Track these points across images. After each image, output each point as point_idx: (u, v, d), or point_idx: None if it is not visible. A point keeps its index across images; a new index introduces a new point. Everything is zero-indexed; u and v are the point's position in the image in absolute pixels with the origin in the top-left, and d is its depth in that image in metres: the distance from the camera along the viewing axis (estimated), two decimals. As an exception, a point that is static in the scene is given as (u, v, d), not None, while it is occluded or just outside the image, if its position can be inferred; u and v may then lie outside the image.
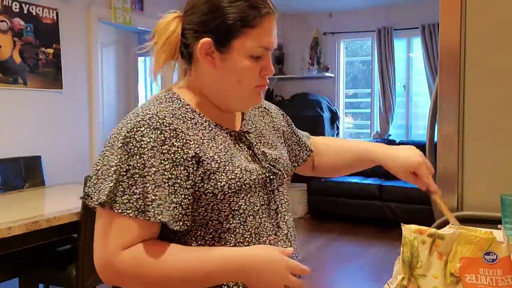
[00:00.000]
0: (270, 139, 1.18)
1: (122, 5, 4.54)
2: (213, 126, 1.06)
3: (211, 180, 0.99)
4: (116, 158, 0.95)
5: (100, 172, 0.97)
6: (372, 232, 5.31)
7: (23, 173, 3.50)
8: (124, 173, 0.93)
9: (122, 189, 0.93)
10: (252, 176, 1.04)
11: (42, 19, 3.85)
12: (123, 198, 0.92)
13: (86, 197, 0.97)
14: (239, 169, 1.02)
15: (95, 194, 0.95)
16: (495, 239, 0.83)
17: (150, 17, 4.96)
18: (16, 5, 3.66)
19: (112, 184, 0.93)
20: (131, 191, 0.93)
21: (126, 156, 0.94)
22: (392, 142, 6.09)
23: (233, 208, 1.01)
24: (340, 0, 5.96)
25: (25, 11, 3.73)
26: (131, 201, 0.92)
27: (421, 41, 5.92)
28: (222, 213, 1.00)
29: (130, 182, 0.93)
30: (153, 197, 0.93)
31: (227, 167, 1.01)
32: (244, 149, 1.09)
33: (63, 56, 4.03)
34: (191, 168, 0.97)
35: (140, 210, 0.92)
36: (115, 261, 0.93)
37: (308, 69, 6.57)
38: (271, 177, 1.09)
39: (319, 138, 1.43)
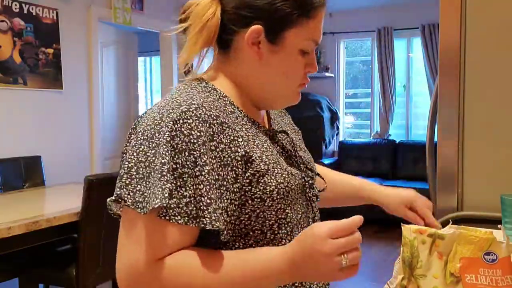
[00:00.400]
0: (297, 141, 1.08)
1: (122, 5, 4.54)
2: (252, 122, 0.94)
3: (260, 184, 0.86)
4: (161, 155, 0.80)
5: (134, 170, 0.82)
6: (372, 232, 5.31)
7: (23, 173, 3.50)
8: (172, 173, 0.79)
9: (169, 192, 0.78)
10: (296, 180, 0.93)
11: (42, 19, 3.85)
12: (171, 202, 0.78)
13: (119, 200, 0.81)
14: (286, 172, 0.90)
15: (129, 196, 0.80)
16: (495, 239, 0.83)
17: (150, 17, 4.96)
18: (16, 5, 3.66)
19: (169, 185, 0.78)
20: (180, 194, 0.79)
21: (174, 153, 0.80)
22: (392, 142, 6.10)
23: (279, 216, 0.89)
24: (340, 0, 5.96)
25: (25, 11, 3.73)
26: (180, 205, 0.78)
27: (421, 41, 5.92)
28: (267, 221, 0.88)
29: (179, 184, 0.79)
30: (208, 201, 0.79)
31: (276, 169, 0.89)
32: (279, 150, 0.97)
33: (63, 56, 4.03)
34: (239, 169, 0.85)
35: (190, 216, 0.79)
36: (155, 272, 0.80)
37: (308, 69, 6.57)
38: (310, 181, 0.99)
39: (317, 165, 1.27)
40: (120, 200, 0.81)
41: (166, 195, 0.77)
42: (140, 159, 0.82)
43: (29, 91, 3.78)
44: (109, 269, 2.66)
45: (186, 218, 0.79)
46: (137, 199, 0.80)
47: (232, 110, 0.91)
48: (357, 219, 0.77)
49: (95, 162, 4.35)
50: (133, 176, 0.82)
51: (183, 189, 0.79)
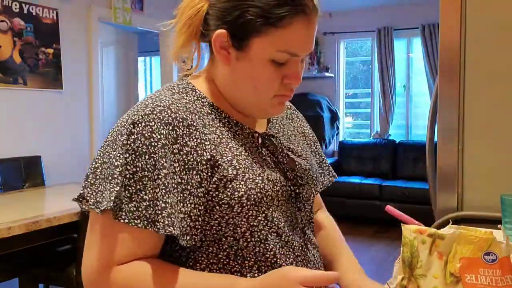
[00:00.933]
0: (300, 146, 1.02)
1: (122, 5, 4.54)
2: (233, 124, 0.90)
3: (228, 189, 0.83)
4: (121, 157, 0.79)
5: (99, 171, 0.82)
6: (372, 232, 5.31)
7: (23, 173, 3.50)
8: (131, 176, 0.78)
9: (129, 194, 0.78)
10: (275, 187, 0.88)
11: (42, 19, 3.85)
12: (129, 205, 0.78)
13: (80, 199, 0.82)
14: (260, 177, 0.86)
15: (91, 196, 0.81)
16: (494, 239, 0.83)
17: (150, 17, 4.96)
18: (16, 5, 3.66)
19: (118, 188, 0.78)
20: (140, 197, 0.78)
21: (133, 155, 0.79)
22: (392, 142, 6.10)
23: (251, 223, 0.85)
24: (340, 0, 5.96)
25: (25, 11, 3.73)
26: (140, 209, 0.78)
27: (421, 41, 5.92)
28: (238, 228, 0.84)
29: (139, 187, 0.78)
30: (163, 205, 0.78)
31: (246, 174, 0.85)
32: (267, 154, 0.92)
33: (63, 56, 4.03)
34: (204, 173, 0.82)
35: (149, 220, 0.78)
36: (109, 278, 0.79)
37: (308, 69, 6.57)
38: (297, 190, 0.94)
39: (322, 210, 1.22)
40: (81, 199, 0.82)
41: (113, 198, 0.77)
42: (104, 160, 0.82)
43: (29, 91, 3.78)
44: (109, 269, 2.66)
45: (146, 221, 0.78)
46: (98, 199, 0.80)
47: (209, 111, 0.89)
48: (333, 276, 0.75)
49: (95, 162, 4.36)
50: (98, 176, 0.82)
51: (143, 192, 0.78)
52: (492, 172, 1.51)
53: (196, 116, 0.86)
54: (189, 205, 0.81)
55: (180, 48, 0.92)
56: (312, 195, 0.99)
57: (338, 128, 6.52)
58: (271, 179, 0.88)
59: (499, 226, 1.23)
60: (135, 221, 0.78)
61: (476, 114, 1.52)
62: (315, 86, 6.59)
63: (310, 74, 6.53)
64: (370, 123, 6.59)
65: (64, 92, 4.06)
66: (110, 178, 0.79)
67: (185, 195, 0.80)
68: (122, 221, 0.78)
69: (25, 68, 3.73)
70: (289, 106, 1.11)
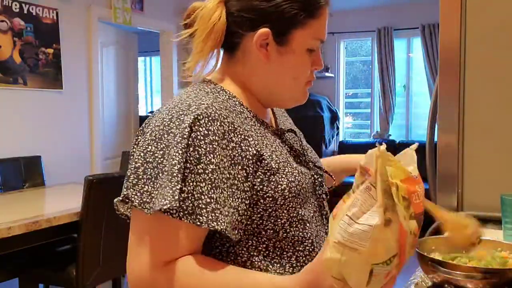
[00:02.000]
0: (303, 140, 1.09)
1: (122, 5, 4.54)
2: (260, 122, 0.94)
3: (271, 183, 0.86)
4: (173, 156, 0.80)
5: (141, 170, 0.82)
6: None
7: (23, 173, 3.50)
8: (188, 174, 0.79)
9: (185, 193, 0.79)
10: (306, 179, 0.93)
11: (42, 19, 3.85)
12: (185, 203, 0.78)
13: (126, 200, 0.81)
14: (297, 171, 0.91)
15: (136, 197, 0.81)
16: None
17: (150, 17, 4.96)
18: (16, 5, 3.66)
19: (175, 187, 0.78)
20: (179, 188, 0.78)
21: (184, 152, 0.80)
22: (392, 142, 6.10)
23: (291, 214, 0.88)
24: (340, 0, 5.96)
25: (25, 11, 3.73)
26: (183, 203, 0.78)
27: (421, 41, 5.92)
28: (279, 220, 0.87)
29: (178, 179, 0.78)
30: (208, 200, 0.78)
31: (286, 168, 0.89)
32: (287, 149, 0.96)
33: (63, 56, 4.03)
34: (250, 168, 0.84)
35: (186, 212, 0.78)
36: (164, 276, 0.80)
37: (308, 69, 6.57)
38: (319, 179, 0.99)
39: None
40: (127, 200, 0.81)
41: (177, 197, 0.77)
42: (147, 159, 0.82)
43: (29, 91, 3.78)
44: (109, 269, 2.66)
45: (181, 213, 0.78)
46: (144, 199, 0.80)
47: (241, 110, 0.92)
48: None
49: (95, 162, 4.35)
50: (140, 177, 0.82)
51: (183, 184, 0.78)
52: (492, 172, 1.51)
53: (234, 114, 0.88)
54: (237, 199, 0.82)
55: (206, 55, 0.94)
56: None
57: (338, 128, 6.52)
58: (303, 172, 0.93)
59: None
60: (180, 215, 0.78)
61: (476, 114, 1.52)
62: (315, 86, 6.52)
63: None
64: (370, 123, 6.59)
65: (64, 92, 4.06)
66: (164, 177, 0.79)
67: (233, 190, 0.82)
68: (169, 216, 0.78)
69: (25, 68, 3.73)
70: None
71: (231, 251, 0.87)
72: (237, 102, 0.93)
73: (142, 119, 5.74)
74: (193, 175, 0.79)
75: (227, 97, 0.92)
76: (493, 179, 1.50)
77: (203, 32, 0.92)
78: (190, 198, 0.78)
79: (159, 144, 0.82)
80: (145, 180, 0.81)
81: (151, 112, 7.46)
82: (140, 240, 0.81)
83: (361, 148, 6.21)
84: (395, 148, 6.04)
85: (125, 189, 0.82)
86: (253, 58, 0.93)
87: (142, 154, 0.83)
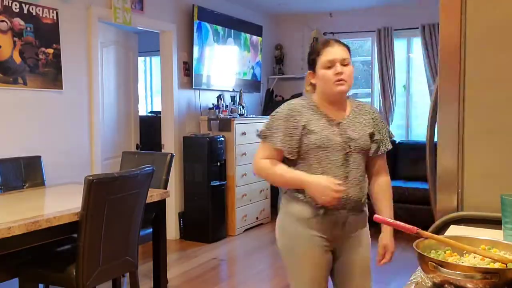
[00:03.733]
0: (361, 127, 1.99)
1: (122, 5, 4.54)
2: (322, 115, 1.98)
3: (308, 137, 1.93)
4: (269, 121, 2.01)
5: (268, 124, 2.01)
6: (372, 232, 5.30)
7: (23, 173, 3.50)
8: (270, 127, 2.00)
9: (269, 132, 1.98)
10: (330, 142, 1.92)
11: (42, 19, 3.85)
12: (266, 134, 1.99)
13: (260, 133, 2.02)
14: (324, 136, 1.92)
15: (263, 133, 2.01)
16: None
17: (150, 17, 4.96)
18: (16, 5, 3.66)
19: (266, 130, 2.01)
20: (270, 133, 1.98)
21: (272, 120, 2.00)
22: (392, 142, 6.08)
23: (316, 155, 1.94)
24: (340, 0, 5.96)
25: (25, 11, 3.73)
26: (270, 137, 1.97)
27: (421, 41, 5.92)
28: (311, 156, 1.94)
29: (272, 132, 1.98)
30: (276, 136, 1.96)
31: (317, 134, 1.93)
32: (336, 130, 1.96)
33: (63, 56, 4.03)
34: (299, 130, 1.94)
35: (270, 139, 1.97)
36: (257, 164, 2.02)
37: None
38: (345, 146, 1.94)
39: (384, 173, 2.16)
40: (260, 134, 2.02)
41: (267, 133, 2.00)
42: (269, 121, 2.02)
43: (29, 91, 3.78)
44: (109, 269, 2.66)
45: (271, 142, 1.97)
46: (265, 134, 2.01)
47: (312, 108, 1.99)
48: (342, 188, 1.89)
49: (95, 162, 4.35)
50: (266, 126, 2.01)
51: (270, 131, 1.98)
52: (492, 172, 1.51)
53: (305, 109, 1.98)
54: (293, 141, 1.94)
55: (308, 84, 2.09)
56: (360, 154, 1.98)
57: (338, 128, 6.52)
58: (330, 138, 1.93)
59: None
60: (268, 142, 1.99)
61: (476, 114, 1.52)
62: (315, 86, 6.58)
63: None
64: (370, 123, 6.58)
65: (64, 92, 4.06)
66: (267, 128, 2.01)
67: (292, 136, 1.94)
68: (263, 140, 2.01)
69: (25, 68, 3.73)
70: (371, 109, 2.12)
71: (291, 166, 1.98)
72: (312, 104, 2.00)
73: (142, 119, 5.74)
74: (274, 129, 1.98)
75: (308, 102, 2.01)
76: (493, 179, 1.50)
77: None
78: (272, 135, 1.98)
79: (273, 115, 2.01)
80: (267, 128, 2.01)
81: (151, 112, 7.46)
82: (258, 149, 2.04)
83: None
84: (395, 148, 6.04)
85: (263, 128, 2.02)
86: (314, 81, 2.05)
87: (269, 120, 2.01)
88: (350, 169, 1.94)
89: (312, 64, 1.99)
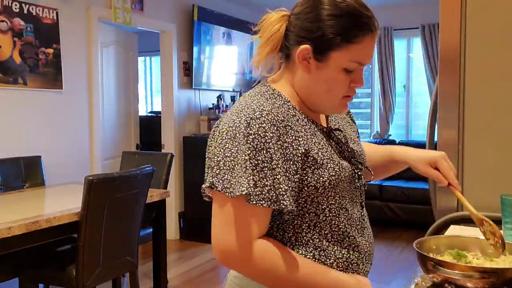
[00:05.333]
0: (352, 135, 1.25)
1: (122, 5, 4.54)
2: (310, 123, 1.11)
3: (315, 175, 1.05)
4: (243, 153, 0.99)
5: (222, 163, 1.01)
6: (372, 232, 5.31)
7: (23, 173, 3.50)
8: (254, 168, 0.98)
9: (253, 182, 0.98)
10: (345, 172, 1.10)
11: (42, 19, 3.85)
12: (255, 190, 0.98)
13: (212, 186, 1.01)
14: (338, 166, 1.08)
15: (219, 184, 1.00)
16: None
17: (150, 17, 4.96)
18: (16, 5, 3.66)
19: (248, 177, 0.98)
20: (262, 183, 0.98)
21: (254, 151, 0.99)
22: (392, 142, 6.09)
23: (330, 202, 1.08)
24: (340, 0, 5.95)
25: (25, 11, 3.73)
26: (263, 192, 0.98)
27: (421, 41, 5.92)
28: (320, 205, 1.07)
29: (261, 176, 0.98)
30: (286, 187, 1.00)
31: (329, 164, 1.07)
32: (333, 145, 1.14)
33: (63, 56, 4.03)
34: (299, 163, 1.04)
35: (273, 200, 0.99)
36: (246, 250, 1.00)
37: (308, 69, 6.57)
38: (359, 173, 1.16)
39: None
40: (212, 186, 1.01)
41: (251, 184, 0.97)
42: (226, 154, 1.01)
43: (29, 91, 3.78)
44: (109, 269, 2.66)
45: (269, 202, 0.98)
46: (225, 185, 0.99)
47: (294, 113, 1.09)
48: None
49: (95, 162, 4.35)
50: (221, 168, 1.01)
51: (265, 180, 0.98)
52: (492, 172, 1.51)
53: (288, 117, 1.06)
54: (296, 186, 1.04)
55: (264, 59, 1.12)
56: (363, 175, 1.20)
57: (338, 128, 6.52)
58: (344, 166, 1.09)
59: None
60: (261, 202, 0.98)
61: (476, 114, 1.52)
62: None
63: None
64: (370, 123, 6.59)
65: (64, 92, 4.06)
66: (239, 169, 0.99)
67: (295, 178, 1.03)
68: (250, 202, 0.98)
69: (25, 68, 3.73)
70: None
71: (280, 227, 1.08)
72: (291, 106, 1.10)
73: (142, 119, 5.74)
74: (270, 171, 0.99)
75: (282, 102, 1.09)
76: (493, 179, 1.50)
77: (263, 38, 1.11)
78: (272, 189, 0.99)
79: (233, 141, 1.00)
80: (225, 170, 1.00)
81: (151, 112, 7.45)
82: (223, 220, 1.02)
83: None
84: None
85: (210, 178, 1.02)
86: (298, 68, 1.09)
87: (222, 150, 1.02)
88: (363, 204, 1.21)
89: (324, 44, 1.04)
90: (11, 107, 3.68)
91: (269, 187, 0.98)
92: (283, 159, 1.01)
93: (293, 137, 1.04)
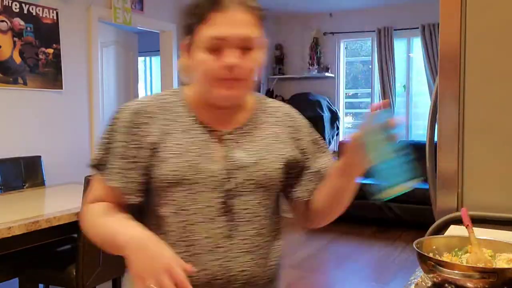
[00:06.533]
0: (260, 146, 1.13)
1: (122, 5, 4.54)
2: (192, 122, 1.12)
3: (157, 168, 1.08)
4: (104, 131, 1.14)
5: (101, 141, 1.15)
6: (372, 232, 5.31)
7: (23, 173, 3.50)
8: (103, 145, 1.13)
9: (99, 157, 1.13)
10: (201, 174, 1.07)
11: (42, 19, 3.85)
12: (98, 163, 1.13)
13: (92, 161, 1.16)
14: (187, 164, 1.07)
15: (93, 159, 1.16)
16: None
17: (150, 17, 4.96)
18: (16, 5, 3.66)
19: (98, 151, 1.14)
20: (104, 159, 1.12)
21: (108, 131, 1.13)
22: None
23: (168, 198, 1.09)
24: (340, 0, 5.95)
25: (25, 11, 3.73)
26: (100, 166, 1.13)
27: (421, 41, 5.92)
28: (156, 197, 1.11)
29: (105, 152, 1.12)
30: (113, 166, 1.10)
31: (175, 159, 1.08)
32: (218, 149, 1.11)
33: (63, 56, 4.03)
34: (149, 152, 1.09)
35: (102, 170, 1.12)
36: (82, 212, 1.18)
37: (308, 69, 6.57)
38: (230, 180, 1.08)
39: None
40: (92, 161, 1.18)
41: (98, 158, 1.13)
42: (103, 135, 1.17)
43: (29, 91, 3.78)
44: (109, 269, 2.65)
45: (102, 175, 1.12)
46: (96, 159, 1.16)
47: (178, 110, 1.13)
48: (189, 268, 0.93)
49: (95, 162, 4.35)
50: (100, 144, 1.16)
51: (106, 156, 1.12)
52: (492, 172, 1.51)
53: (163, 111, 1.12)
54: (138, 173, 1.10)
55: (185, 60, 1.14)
56: (256, 190, 1.11)
57: (338, 128, 6.52)
58: (198, 167, 1.08)
59: None
60: (97, 174, 1.13)
61: (476, 114, 1.52)
62: (315, 86, 6.58)
63: (310, 74, 6.53)
64: (370, 123, 6.59)
65: (64, 92, 4.06)
66: (99, 143, 1.14)
67: (137, 164, 1.09)
68: (93, 173, 1.15)
69: (25, 68, 3.73)
70: (288, 115, 1.22)
71: (144, 215, 1.14)
72: (180, 104, 1.14)
73: (142, 119, 5.73)
74: (110, 148, 1.11)
75: (174, 99, 1.15)
76: (493, 179, 1.50)
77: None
78: (107, 158, 1.11)
79: (110, 122, 1.14)
80: (100, 147, 1.14)
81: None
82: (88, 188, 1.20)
83: (361, 148, 6.20)
84: (395, 148, 6.03)
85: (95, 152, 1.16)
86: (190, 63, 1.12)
87: (104, 131, 1.15)
88: (236, 222, 1.09)
89: (189, 31, 1.09)
90: (11, 107, 3.68)
91: (106, 163, 1.11)
92: (138, 145, 1.09)
93: (152, 127, 1.10)
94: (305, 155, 1.19)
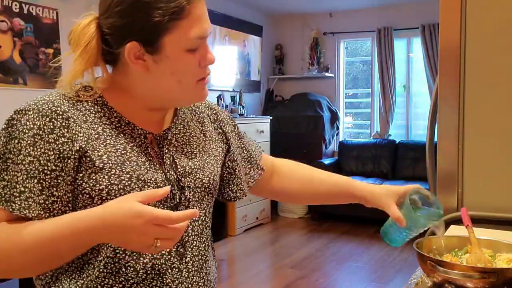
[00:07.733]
0: (197, 148, 1.05)
1: (122, 5, 4.54)
2: (123, 124, 0.95)
3: (91, 180, 0.88)
4: (4, 146, 0.87)
5: None
6: (372, 232, 5.31)
7: (23, 173, 3.50)
8: (1, 157, 0.86)
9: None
10: (145, 186, 0.91)
11: (42, 19, 3.85)
12: None
13: None
14: (128, 175, 0.90)
15: None
16: None
17: (150, 17, 4.96)
18: (16, 5, 3.66)
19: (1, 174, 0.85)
20: (1, 177, 0.85)
21: (8, 138, 0.87)
22: (392, 142, 6.10)
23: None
24: (340, 0, 5.96)
25: (25, 11, 3.73)
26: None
27: (421, 41, 5.92)
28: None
29: (3, 167, 0.85)
30: (22, 189, 0.84)
31: (113, 170, 0.89)
32: (155, 155, 0.97)
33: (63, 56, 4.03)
34: (73, 163, 0.88)
35: (4, 199, 0.84)
36: None
37: (308, 69, 6.57)
38: (174, 191, 0.96)
39: (278, 159, 1.28)
40: None
41: None
42: None
43: (29, 91, 3.78)
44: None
45: (2, 200, 0.84)
46: None
47: (99, 110, 0.94)
48: (190, 213, 0.80)
49: (95, 162, 4.35)
50: None
51: (5, 173, 0.85)
52: (492, 172, 1.51)
53: (81, 112, 0.92)
54: (61, 190, 0.87)
55: (80, 76, 0.95)
56: (205, 197, 1.03)
57: (338, 128, 6.52)
58: (142, 178, 0.92)
59: None
60: None
61: (476, 114, 1.52)
62: (315, 86, 6.58)
63: (310, 74, 6.53)
64: (370, 123, 6.59)
65: (64, 92, 4.06)
66: None
67: (59, 181, 0.87)
68: None
69: (25, 68, 3.73)
70: (206, 109, 1.14)
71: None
72: (100, 102, 0.95)
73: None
74: (13, 165, 0.85)
75: (93, 99, 0.95)
76: (493, 179, 1.50)
77: (77, 52, 0.94)
78: (8, 186, 0.84)
79: (8, 129, 0.90)
80: None
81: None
82: None
83: (361, 148, 6.22)
84: (395, 148, 6.04)
85: None
86: (133, 70, 0.93)
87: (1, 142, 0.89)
88: (187, 235, 0.99)
89: (151, 34, 0.90)
90: (11, 107, 3.66)
91: (6, 183, 0.84)
92: (57, 155, 0.86)
93: (74, 131, 0.88)
94: (232, 152, 1.15)
